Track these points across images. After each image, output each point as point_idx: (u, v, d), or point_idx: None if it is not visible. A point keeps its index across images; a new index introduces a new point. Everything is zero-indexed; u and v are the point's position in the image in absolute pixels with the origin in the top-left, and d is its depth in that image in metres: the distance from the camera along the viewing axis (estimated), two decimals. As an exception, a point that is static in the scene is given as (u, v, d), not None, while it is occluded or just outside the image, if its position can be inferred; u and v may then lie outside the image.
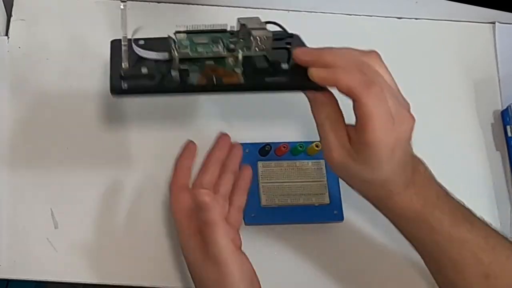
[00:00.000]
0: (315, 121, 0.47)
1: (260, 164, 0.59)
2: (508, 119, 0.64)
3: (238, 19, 0.47)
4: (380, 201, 0.48)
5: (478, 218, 0.49)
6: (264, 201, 0.58)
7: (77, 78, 0.62)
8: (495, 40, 0.70)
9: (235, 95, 0.64)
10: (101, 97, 0.62)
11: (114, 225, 0.58)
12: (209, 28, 0.47)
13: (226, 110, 0.63)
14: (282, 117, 0.64)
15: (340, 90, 0.43)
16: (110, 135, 0.60)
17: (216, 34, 0.47)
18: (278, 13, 0.68)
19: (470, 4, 0.67)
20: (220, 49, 0.46)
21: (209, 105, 0.63)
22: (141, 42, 0.46)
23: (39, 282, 0.57)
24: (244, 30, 0.46)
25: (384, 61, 0.69)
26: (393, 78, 0.46)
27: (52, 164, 0.59)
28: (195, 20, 0.67)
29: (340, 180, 0.59)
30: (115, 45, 0.47)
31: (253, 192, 0.58)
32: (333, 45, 0.67)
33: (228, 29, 0.47)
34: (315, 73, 0.44)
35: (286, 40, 0.49)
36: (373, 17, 0.70)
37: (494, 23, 0.70)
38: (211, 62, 0.46)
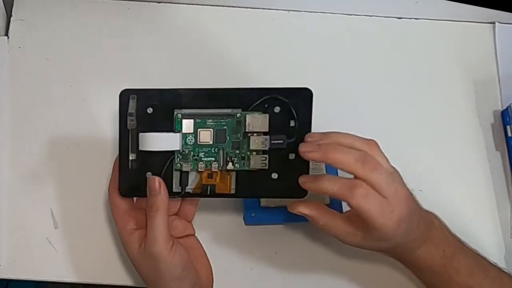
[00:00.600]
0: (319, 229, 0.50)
1: (260, 164, 0.59)
2: (508, 119, 0.64)
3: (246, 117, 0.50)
4: (402, 258, 0.53)
5: (493, 265, 0.53)
6: (264, 201, 0.57)
7: (77, 78, 0.62)
8: (495, 40, 0.70)
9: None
10: (101, 96, 0.62)
11: (114, 225, 0.58)
12: (215, 112, 0.50)
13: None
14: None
15: (329, 195, 0.49)
16: (110, 134, 0.60)
17: (222, 122, 0.50)
18: (278, 13, 0.68)
19: (470, 4, 0.66)
20: (219, 163, 0.50)
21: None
22: (150, 110, 0.50)
23: (39, 282, 0.57)
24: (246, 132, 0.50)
25: (384, 63, 0.69)
26: (387, 167, 0.48)
27: (52, 164, 0.59)
28: (195, 20, 0.67)
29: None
30: (125, 106, 0.50)
31: (253, 192, 0.58)
32: (333, 45, 0.68)
33: (235, 114, 0.50)
34: (306, 185, 0.48)
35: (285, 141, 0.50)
36: (373, 17, 0.70)
37: (494, 23, 0.70)
38: (209, 170, 0.50)
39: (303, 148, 0.47)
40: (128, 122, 0.49)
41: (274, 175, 0.50)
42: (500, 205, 0.63)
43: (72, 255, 0.57)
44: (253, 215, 0.58)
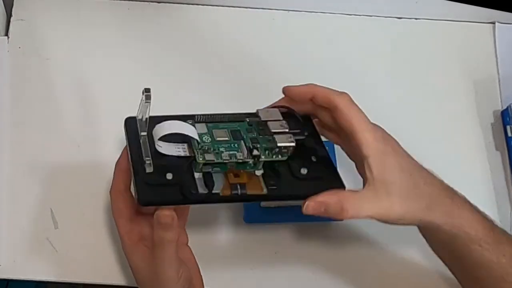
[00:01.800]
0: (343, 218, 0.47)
1: (260, 164, 0.59)
2: (508, 119, 0.64)
3: (258, 111, 0.50)
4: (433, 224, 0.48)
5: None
6: (264, 202, 0.57)
7: (77, 78, 0.62)
8: (495, 40, 0.70)
9: (236, 95, 0.64)
10: (101, 96, 0.62)
11: (114, 225, 0.58)
12: (227, 119, 0.49)
13: (226, 111, 0.63)
14: (282, 117, 0.64)
15: (319, 102, 0.49)
16: (110, 134, 0.60)
17: (234, 124, 0.49)
18: (278, 13, 0.68)
19: (470, 4, 0.67)
20: (243, 153, 0.46)
21: (209, 105, 0.63)
22: (158, 121, 0.47)
23: (39, 282, 0.56)
24: (265, 130, 0.48)
25: (384, 63, 0.69)
26: None
27: (52, 164, 0.59)
28: (195, 20, 0.67)
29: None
30: (132, 128, 0.47)
31: (253, 192, 0.58)
32: (333, 45, 0.68)
33: (248, 118, 0.49)
34: (291, 89, 0.51)
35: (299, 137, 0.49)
36: (373, 17, 0.70)
37: (494, 23, 0.70)
38: (233, 164, 0.46)
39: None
40: (139, 131, 0.46)
41: (304, 170, 0.47)
42: (500, 205, 0.63)
43: (72, 255, 0.57)
44: (253, 215, 0.58)
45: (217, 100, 0.64)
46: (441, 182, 0.50)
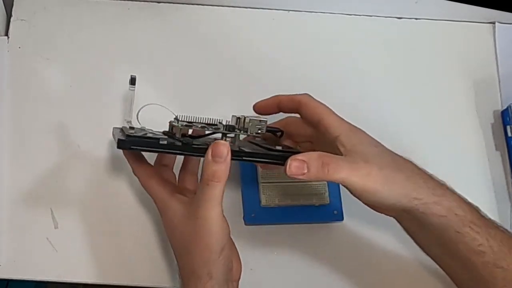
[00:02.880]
0: (326, 179, 0.47)
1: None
2: (508, 119, 0.64)
3: (233, 115, 0.50)
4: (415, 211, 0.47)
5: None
6: (264, 201, 0.58)
7: (77, 78, 0.62)
8: (495, 40, 0.70)
9: (236, 95, 0.64)
10: (101, 96, 0.62)
11: (114, 225, 0.58)
12: (205, 121, 0.49)
13: (226, 110, 0.63)
14: (282, 117, 0.63)
15: (285, 106, 0.52)
16: (110, 134, 0.60)
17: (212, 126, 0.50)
18: (278, 13, 0.68)
19: (470, 4, 0.67)
20: (220, 127, 0.49)
21: (209, 105, 0.63)
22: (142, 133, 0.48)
23: (39, 282, 0.57)
24: (240, 121, 0.49)
25: (384, 63, 0.69)
26: None
27: (52, 164, 0.59)
28: (195, 20, 0.67)
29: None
30: (116, 130, 0.50)
31: (253, 192, 0.58)
32: (333, 45, 0.68)
33: (224, 123, 0.50)
34: (258, 105, 0.54)
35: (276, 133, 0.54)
36: (373, 17, 0.70)
37: (494, 23, 0.70)
38: (211, 142, 0.47)
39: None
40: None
41: (278, 147, 0.50)
42: (500, 205, 0.63)
43: (72, 255, 0.57)
44: (253, 215, 0.58)
45: (217, 99, 0.64)
46: (418, 166, 0.49)
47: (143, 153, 0.53)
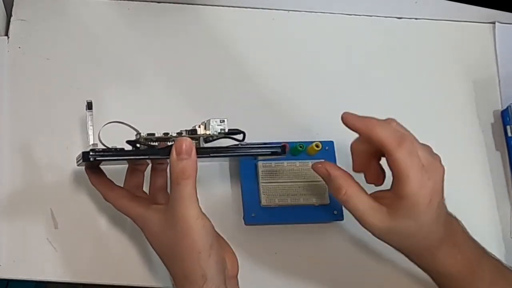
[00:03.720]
0: (338, 200, 0.48)
1: (260, 164, 0.59)
2: (508, 119, 0.64)
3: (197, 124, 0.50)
4: (424, 258, 0.50)
5: (510, 270, 0.51)
6: (264, 201, 0.58)
7: (77, 78, 0.62)
8: (495, 40, 0.70)
9: (236, 95, 0.64)
10: (101, 96, 0.62)
11: (114, 225, 0.58)
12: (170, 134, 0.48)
13: (226, 111, 0.63)
14: (282, 117, 0.64)
15: (373, 143, 0.45)
16: (110, 134, 0.60)
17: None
18: (278, 13, 0.68)
19: (470, 4, 0.67)
20: (183, 132, 0.48)
21: (209, 105, 0.63)
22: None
23: (39, 282, 0.57)
24: (203, 125, 0.49)
25: (384, 63, 0.69)
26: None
27: (52, 164, 0.59)
28: (195, 20, 0.67)
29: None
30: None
31: (253, 192, 0.58)
32: (333, 45, 0.68)
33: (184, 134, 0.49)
34: (349, 118, 0.47)
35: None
36: (373, 17, 0.70)
37: (494, 23, 0.70)
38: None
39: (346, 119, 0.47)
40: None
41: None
42: (500, 205, 0.63)
43: (72, 255, 0.57)
44: (253, 215, 0.58)
45: (217, 99, 0.64)
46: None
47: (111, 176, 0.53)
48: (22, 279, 0.56)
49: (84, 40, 0.64)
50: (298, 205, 0.58)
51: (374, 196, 0.47)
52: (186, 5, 0.67)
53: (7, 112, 0.60)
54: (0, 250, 0.56)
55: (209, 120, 0.47)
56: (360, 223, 0.47)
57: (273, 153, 0.50)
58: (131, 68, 0.64)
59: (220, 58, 0.65)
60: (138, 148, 0.48)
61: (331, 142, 0.60)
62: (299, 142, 0.59)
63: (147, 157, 0.48)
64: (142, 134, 0.48)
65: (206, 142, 0.50)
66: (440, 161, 0.48)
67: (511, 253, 0.61)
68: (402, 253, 0.50)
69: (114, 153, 0.47)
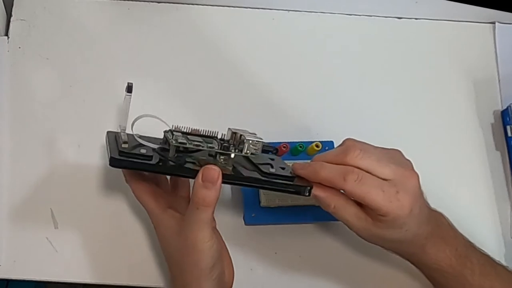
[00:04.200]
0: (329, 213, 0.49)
1: (260, 164, 0.59)
2: (508, 119, 0.64)
3: (229, 128, 0.50)
4: (414, 256, 0.51)
5: (501, 265, 0.52)
6: (264, 201, 0.58)
7: (77, 78, 0.62)
8: (495, 40, 0.70)
9: (236, 95, 0.64)
10: (101, 96, 0.62)
11: (114, 225, 0.58)
12: (201, 133, 0.48)
13: (226, 111, 0.63)
14: (282, 117, 0.64)
15: (323, 184, 0.47)
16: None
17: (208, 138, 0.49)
18: (278, 13, 0.68)
19: (470, 4, 0.66)
20: (214, 145, 0.47)
21: (209, 105, 0.63)
22: (138, 136, 0.48)
23: (39, 282, 0.57)
24: (236, 137, 0.49)
25: (384, 63, 0.69)
26: (378, 150, 0.48)
27: (52, 164, 0.59)
28: (195, 20, 0.67)
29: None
30: (111, 135, 0.49)
31: (253, 192, 0.58)
32: (333, 45, 0.68)
33: (219, 136, 0.49)
34: (295, 169, 0.49)
35: (271, 152, 0.52)
36: (373, 17, 0.70)
37: (494, 23, 0.70)
38: (204, 158, 0.47)
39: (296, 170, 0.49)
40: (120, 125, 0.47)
41: (272, 170, 0.49)
42: (500, 205, 0.63)
43: (72, 255, 0.57)
44: (253, 215, 0.58)
45: (217, 99, 0.64)
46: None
47: None
48: (22, 279, 0.56)
49: (84, 40, 0.64)
50: (298, 205, 0.58)
51: (361, 206, 0.48)
52: (186, 5, 0.67)
53: (7, 112, 0.60)
54: (0, 250, 0.56)
55: (243, 136, 0.47)
56: (348, 227, 0.49)
57: (296, 192, 0.48)
58: (131, 68, 0.64)
59: (220, 58, 0.65)
60: (165, 159, 0.47)
61: (331, 142, 0.60)
62: (299, 142, 0.59)
63: (172, 173, 0.47)
64: (173, 138, 0.46)
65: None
66: (412, 167, 0.48)
67: (511, 253, 0.61)
68: (393, 252, 0.52)
69: (140, 166, 0.45)
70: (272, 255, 0.59)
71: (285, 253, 0.59)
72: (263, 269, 0.59)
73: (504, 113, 0.65)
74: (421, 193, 0.48)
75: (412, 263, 0.53)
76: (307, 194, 0.48)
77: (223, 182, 0.45)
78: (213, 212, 0.45)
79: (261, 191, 0.58)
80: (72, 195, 0.58)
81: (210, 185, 0.44)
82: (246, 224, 0.58)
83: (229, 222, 0.59)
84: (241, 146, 0.48)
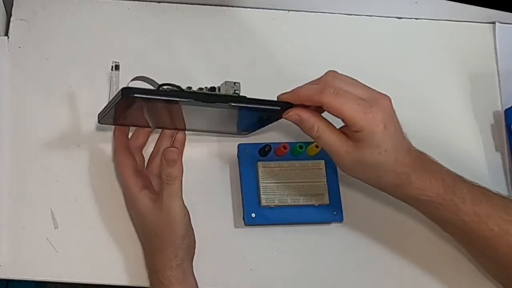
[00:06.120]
0: (313, 138, 0.50)
1: (260, 164, 0.59)
2: (512, 117, 0.64)
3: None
4: (400, 189, 0.51)
5: (494, 193, 0.52)
6: (264, 201, 0.58)
7: (77, 78, 0.62)
8: (495, 40, 0.70)
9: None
10: (100, 96, 0.62)
11: (114, 225, 0.58)
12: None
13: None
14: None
15: (305, 104, 0.49)
16: (110, 134, 0.60)
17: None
18: (278, 13, 0.68)
19: (470, 4, 0.66)
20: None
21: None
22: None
23: (39, 282, 0.57)
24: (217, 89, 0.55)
25: (384, 63, 0.69)
26: (354, 79, 0.50)
27: (52, 164, 0.59)
28: (194, 20, 0.67)
29: (340, 180, 0.59)
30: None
31: (253, 192, 0.58)
32: (333, 45, 0.68)
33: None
34: (281, 97, 0.52)
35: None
36: (373, 17, 0.70)
37: (494, 23, 0.70)
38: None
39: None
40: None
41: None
42: (500, 205, 0.63)
43: (72, 255, 0.57)
44: (253, 215, 0.58)
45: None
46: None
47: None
48: (22, 279, 0.56)
49: (84, 40, 0.64)
50: (298, 205, 0.58)
51: (342, 130, 0.49)
52: (186, 5, 0.67)
53: (7, 112, 0.60)
54: (0, 250, 0.56)
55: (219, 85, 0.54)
56: (332, 158, 0.50)
57: (276, 110, 0.51)
58: (131, 67, 0.64)
59: (220, 57, 0.65)
60: (177, 90, 0.52)
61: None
62: (299, 142, 0.59)
63: (190, 100, 0.50)
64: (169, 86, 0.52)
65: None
66: (381, 92, 0.50)
67: (511, 253, 0.61)
68: (378, 187, 0.52)
69: (157, 92, 0.50)
70: (272, 255, 0.59)
71: (285, 253, 0.59)
72: (263, 269, 0.59)
73: (508, 112, 0.65)
74: (394, 114, 0.49)
75: (401, 199, 0.52)
76: (283, 111, 0.50)
77: (232, 106, 0.50)
78: (181, 185, 0.52)
79: (261, 191, 0.58)
80: (72, 195, 0.58)
81: (172, 163, 0.51)
82: (246, 224, 0.58)
83: (229, 222, 0.59)
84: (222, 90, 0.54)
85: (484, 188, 0.53)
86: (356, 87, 0.49)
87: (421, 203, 0.51)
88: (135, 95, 0.47)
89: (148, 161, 0.59)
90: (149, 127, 0.58)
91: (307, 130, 0.50)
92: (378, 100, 0.48)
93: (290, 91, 0.51)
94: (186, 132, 0.60)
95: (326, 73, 0.50)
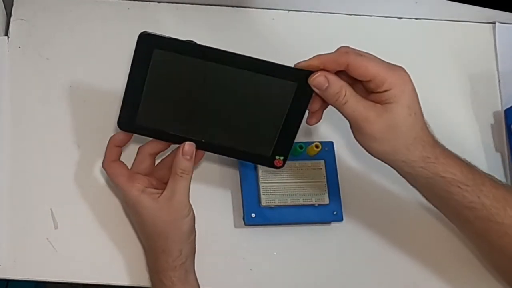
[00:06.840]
0: (337, 107, 0.49)
1: (260, 164, 0.59)
2: (512, 116, 0.64)
3: None
4: (427, 162, 0.49)
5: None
6: (264, 201, 0.58)
7: (77, 78, 0.62)
8: (495, 40, 0.70)
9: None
10: (101, 96, 0.62)
11: (114, 225, 0.58)
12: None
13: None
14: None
15: (327, 69, 0.48)
16: (110, 134, 0.60)
17: None
18: (278, 13, 0.68)
19: (470, 4, 0.67)
20: None
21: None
22: None
23: (39, 282, 0.57)
24: None
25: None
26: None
27: (52, 164, 0.59)
28: (194, 20, 0.67)
29: (340, 180, 0.59)
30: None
31: (253, 192, 0.58)
32: (333, 45, 0.67)
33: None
34: (302, 64, 0.51)
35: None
36: (373, 17, 0.70)
37: (494, 23, 0.70)
38: None
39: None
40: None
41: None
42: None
43: (72, 255, 0.57)
44: (253, 215, 0.58)
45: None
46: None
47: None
48: (22, 279, 0.56)
49: (84, 40, 0.64)
50: (298, 205, 0.58)
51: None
52: (186, 5, 0.67)
53: (7, 112, 0.60)
54: (0, 250, 0.56)
55: None
56: (359, 128, 0.48)
57: (297, 77, 0.51)
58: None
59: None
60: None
61: (331, 143, 0.60)
62: (299, 142, 0.59)
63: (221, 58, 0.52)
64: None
65: None
66: None
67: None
68: (406, 161, 0.49)
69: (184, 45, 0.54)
70: (272, 255, 0.59)
71: (285, 253, 0.59)
72: (263, 269, 0.59)
73: (508, 111, 0.65)
74: (411, 81, 0.50)
75: (425, 180, 0.50)
76: (306, 80, 0.49)
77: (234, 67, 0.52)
78: (190, 180, 0.53)
79: (261, 191, 0.58)
80: (72, 195, 0.58)
81: (188, 157, 0.52)
82: (246, 224, 0.58)
83: (229, 222, 0.59)
84: None
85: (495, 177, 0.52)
86: (373, 55, 0.48)
87: (445, 182, 0.49)
88: (151, 33, 0.51)
89: (134, 164, 0.57)
90: (167, 139, 0.55)
91: (333, 96, 0.48)
92: (397, 67, 0.49)
93: (310, 58, 0.49)
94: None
95: (340, 47, 0.49)
